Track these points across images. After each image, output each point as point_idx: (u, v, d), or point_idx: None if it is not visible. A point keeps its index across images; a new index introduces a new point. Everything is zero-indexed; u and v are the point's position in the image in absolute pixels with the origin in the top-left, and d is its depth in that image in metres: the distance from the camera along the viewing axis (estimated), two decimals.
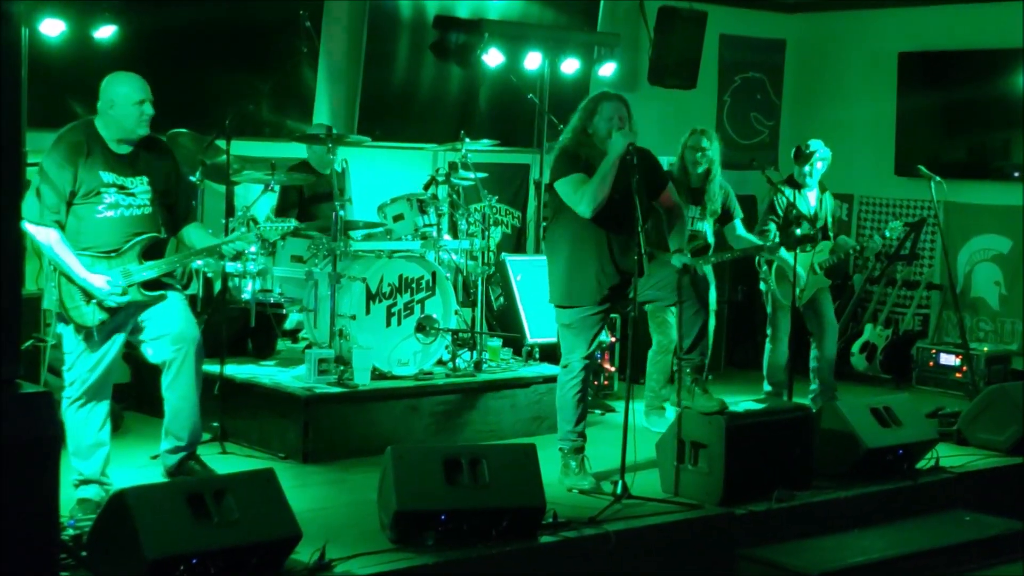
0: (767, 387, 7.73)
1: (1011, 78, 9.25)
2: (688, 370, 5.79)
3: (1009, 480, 6.64)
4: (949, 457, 6.60)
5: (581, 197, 5.62)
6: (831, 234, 7.66)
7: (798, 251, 6.99)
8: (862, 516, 5.95)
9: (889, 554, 5.59)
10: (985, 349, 9.05)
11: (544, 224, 8.83)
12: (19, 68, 3.48)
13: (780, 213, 7.39)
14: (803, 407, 6.25)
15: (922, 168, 8.54)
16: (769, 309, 7.69)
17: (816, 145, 7.53)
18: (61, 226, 5.16)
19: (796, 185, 7.54)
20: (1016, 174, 9.33)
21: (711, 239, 7.26)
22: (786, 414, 6.08)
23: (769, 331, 7.69)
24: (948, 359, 9.02)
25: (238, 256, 5.83)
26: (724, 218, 7.29)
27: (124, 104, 5.21)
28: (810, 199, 7.57)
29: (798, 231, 7.11)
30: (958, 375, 8.91)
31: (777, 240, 7.27)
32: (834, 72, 10.41)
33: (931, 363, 9.11)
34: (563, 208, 5.76)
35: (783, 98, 10.66)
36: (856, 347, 9.33)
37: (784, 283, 7.40)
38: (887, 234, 7.74)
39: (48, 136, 5.30)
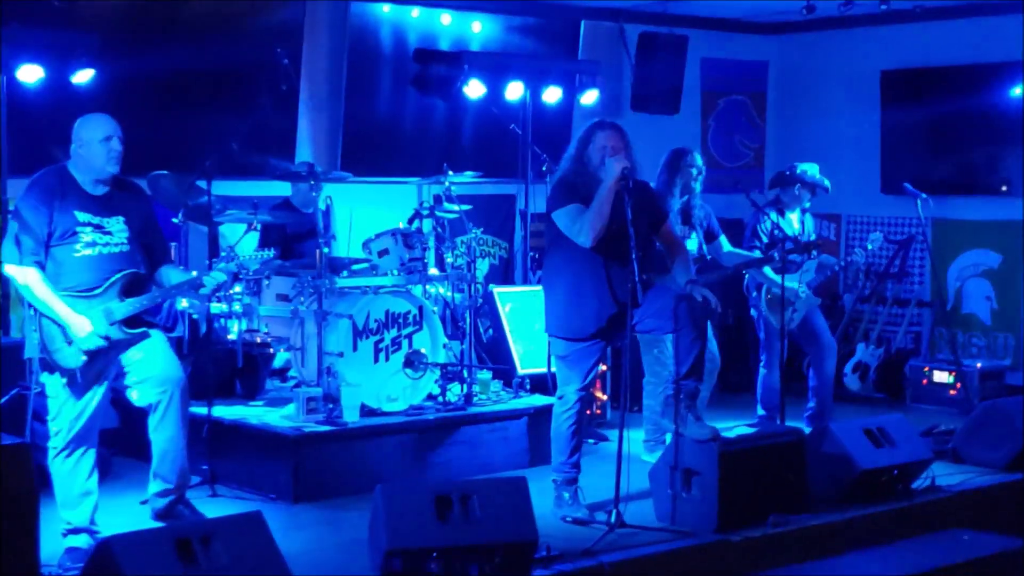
0: (761, 411, 7.70)
1: (995, 92, 9.26)
2: (682, 396, 5.75)
3: (1007, 497, 6.59)
4: (945, 476, 6.55)
5: (580, 227, 5.60)
6: (814, 254, 7.66)
7: (785, 273, 6.99)
8: (859, 538, 5.90)
9: None
10: (978, 365, 9.00)
11: (531, 254, 8.84)
12: None
13: (764, 238, 7.41)
14: (795, 430, 6.21)
15: (908, 186, 8.53)
16: (762, 335, 7.66)
17: (812, 170, 7.55)
18: (41, 266, 5.14)
19: (780, 208, 7.56)
20: (1003, 188, 9.33)
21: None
22: (778, 438, 6.03)
23: (763, 357, 7.67)
24: (941, 376, 8.97)
25: (218, 289, 5.77)
26: (708, 236, 7.28)
27: (91, 142, 5.21)
28: (792, 221, 7.58)
29: (793, 255, 7.14)
30: (952, 392, 8.87)
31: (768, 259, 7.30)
32: (817, 92, 10.41)
33: (924, 381, 9.05)
34: (560, 238, 5.73)
35: (767, 120, 10.67)
36: (848, 367, 9.28)
37: (776, 308, 7.38)
38: (868, 246, 7.74)
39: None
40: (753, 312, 7.71)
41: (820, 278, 7.65)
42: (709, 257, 7.29)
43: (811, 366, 7.75)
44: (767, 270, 7.39)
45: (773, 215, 7.46)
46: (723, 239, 7.32)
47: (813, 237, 7.70)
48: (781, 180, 7.69)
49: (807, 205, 7.70)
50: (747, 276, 7.59)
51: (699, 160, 7.13)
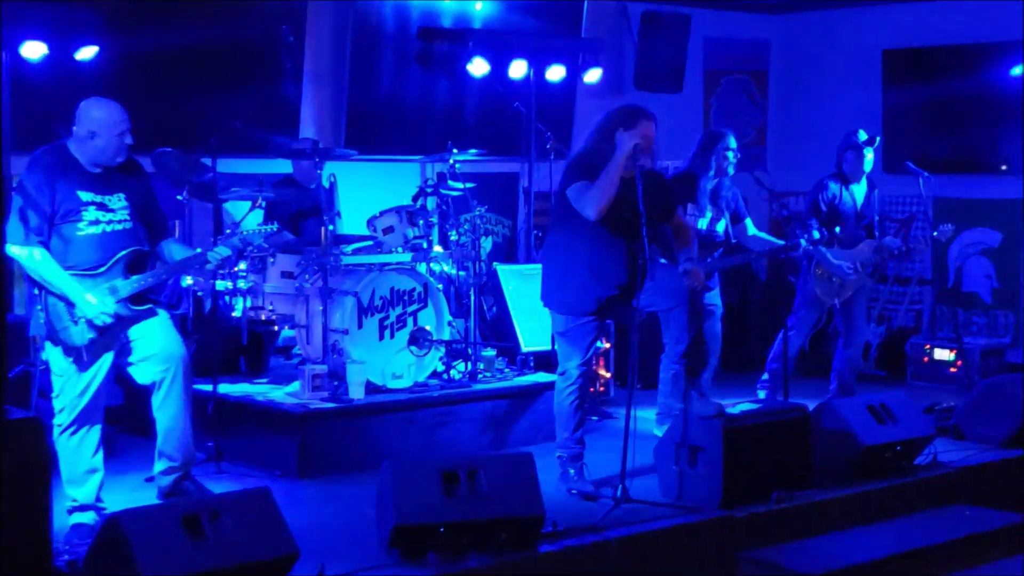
0: (766, 376, 7.68)
1: (996, 72, 9.26)
2: (684, 374, 5.77)
3: (1007, 473, 6.62)
4: (947, 452, 6.58)
5: (587, 200, 5.60)
6: (876, 234, 7.63)
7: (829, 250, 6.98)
8: (862, 514, 5.92)
9: (891, 552, 5.56)
10: (979, 343, 9.04)
11: (535, 232, 8.84)
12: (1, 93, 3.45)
13: (824, 210, 7.37)
14: (800, 407, 6.22)
15: (910, 164, 8.53)
16: (798, 300, 7.60)
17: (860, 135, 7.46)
18: (45, 246, 5.13)
19: (846, 179, 7.50)
20: (1003, 167, 9.34)
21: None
22: (783, 414, 6.05)
23: (790, 321, 7.56)
24: (942, 354, 8.99)
25: (223, 265, 5.77)
26: (734, 219, 7.26)
27: (105, 134, 5.19)
28: (854, 195, 7.52)
29: (836, 229, 7.11)
30: (953, 370, 8.89)
31: (816, 236, 7.17)
32: (819, 71, 10.42)
33: (925, 359, 9.08)
34: (568, 216, 5.72)
35: (769, 99, 10.66)
36: None
37: (825, 282, 7.37)
38: (934, 233, 7.71)
39: None
40: (793, 279, 7.65)
41: (876, 260, 7.58)
42: (735, 240, 7.28)
43: (838, 344, 7.74)
44: (823, 248, 7.30)
45: (834, 186, 7.42)
46: (748, 222, 7.33)
47: (876, 218, 7.59)
48: (839, 148, 7.56)
49: (868, 169, 7.53)
50: (803, 243, 7.28)
51: (734, 143, 7.14)
